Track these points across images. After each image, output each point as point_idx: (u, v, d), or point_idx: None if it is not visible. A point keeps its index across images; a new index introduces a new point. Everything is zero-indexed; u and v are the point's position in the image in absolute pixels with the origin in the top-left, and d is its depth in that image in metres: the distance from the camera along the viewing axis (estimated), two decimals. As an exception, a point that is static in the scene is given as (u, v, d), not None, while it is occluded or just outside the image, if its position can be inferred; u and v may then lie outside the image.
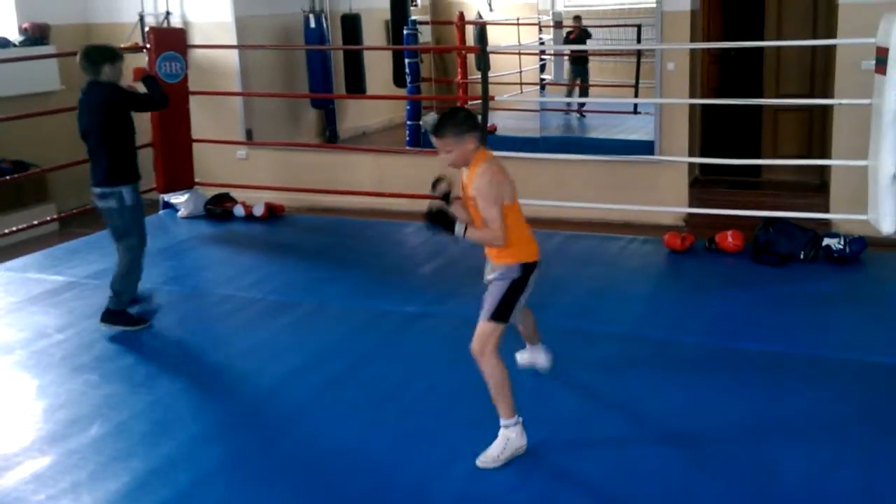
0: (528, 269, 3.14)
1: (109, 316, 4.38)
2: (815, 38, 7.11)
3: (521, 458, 3.08)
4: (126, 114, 4.37)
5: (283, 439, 3.34)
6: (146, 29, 7.25)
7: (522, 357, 3.67)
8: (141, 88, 4.57)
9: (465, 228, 3.03)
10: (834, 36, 6.20)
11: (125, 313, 4.41)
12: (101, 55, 4.29)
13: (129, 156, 4.37)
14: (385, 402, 3.59)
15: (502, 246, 3.06)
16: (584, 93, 9.20)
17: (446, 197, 3.17)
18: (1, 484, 3.07)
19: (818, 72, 7.20)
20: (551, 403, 3.52)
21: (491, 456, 3.05)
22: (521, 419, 3.09)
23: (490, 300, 3.13)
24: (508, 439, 3.06)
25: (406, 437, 3.29)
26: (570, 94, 9.36)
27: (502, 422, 3.07)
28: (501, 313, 3.11)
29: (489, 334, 3.08)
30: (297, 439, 3.34)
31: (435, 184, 3.20)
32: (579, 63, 9.16)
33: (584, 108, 9.25)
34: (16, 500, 2.97)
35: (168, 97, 4.65)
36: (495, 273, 3.17)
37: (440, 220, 3.03)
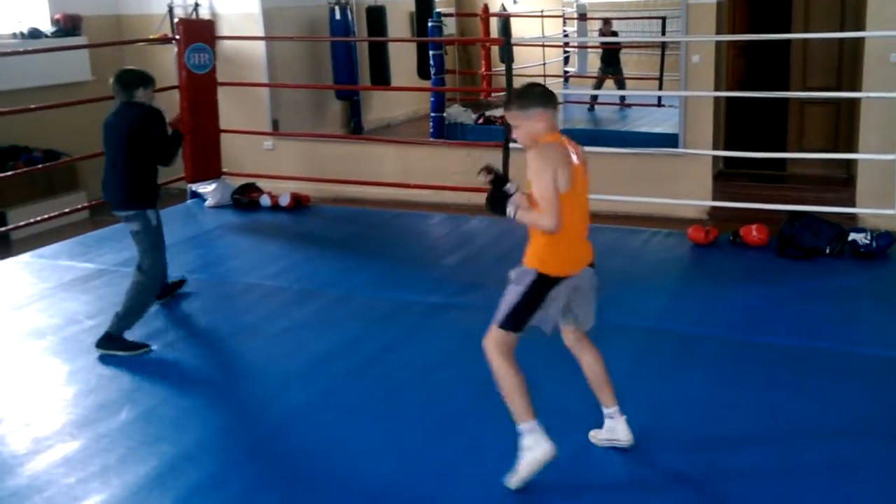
0: (546, 281, 2.76)
1: (107, 340, 4.10)
2: (842, 30, 7.03)
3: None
4: (158, 133, 4.16)
5: (307, 426, 3.38)
6: (175, 20, 7.32)
7: (597, 436, 3.08)
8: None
9: (517, 208, 2.75)
10: (862, 28, 6.14)
11: (121, 338, 4.11)
12: (134, 80, 4.17)
13: (154, 177, 4.24)
14: (408, 392, 3.62)
15: (553, 230, 2.68)
16: (621, 85, 9.16)
17: (499, 181, 2.86)
18: (32, 467, 3.13)
19: (846, 64, 7.12)
20: (572, 395, 3.53)
21: (518, 476, 2.80)
22: (538, 424, 2.79)
23: (503, 304, 2.83)
24: (528, 450, 2.78)
25: (429, 427, 3.32)
26: (598, 87, 9.34)
27: (517, 427, 2.81)
28: (512, 322, 2.80)
29: (499, 340, 2.82)
30: (322, 426, 3.38)
31: (482, 171, 2.89)
32: (611, 63, 9.13)
33: (604, 101, 9.23)
34: (47, 483, 3.02)
35: (174, 158, 4.37)
36: (515, 272, 2.85)
37: (497, 202, 2.78)
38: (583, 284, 2.89)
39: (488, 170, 2.87)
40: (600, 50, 9.32)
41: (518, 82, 7.07)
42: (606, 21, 8.83)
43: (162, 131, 4.17)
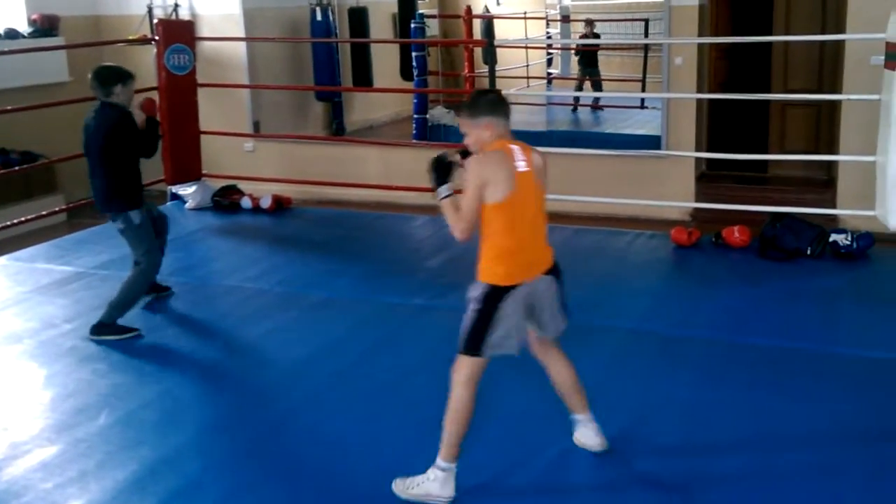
0: (496, 293, 2.71)
1: (98, 328, 4.24)
2: (823, 33, 7.09)
3: (528, 450, 3.08)
4: (134, 137, 4.24)
5: (290, 430, 3.36)
6: (155, 21, 7.28)
7: (575, 437, 3.08)
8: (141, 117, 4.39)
9: (448, 196, 2.76)
10: (843, 31, 6.19)
11: (113, 324, 4.25)
12: (112, 76, 4.18)
13: (135, 179, 4.29)
14: (392, 394, 3.61)
15: (460, 240, 2.73)
16: (597, 87, 9.18)
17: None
18: (10, 472, 3.10)
19: (826, 67, 7.19)
20: (553, 397, 3.53)
21: (406, 483, 2.80)
22: (455, 469, 2.76)
23: (462, 328, 2.77)
24: (433, 482, 2.75)
25: (412, 429, 3.30)
26: (579, 89, 9.37)
27: (439, 461, 2.76)
28: (472, 343, 2.73)
29: (466, 368, 2.75)
30: (305, 430, 3.36)
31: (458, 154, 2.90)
32: (590, 65, 9.16)
33: (591, 103, 9.26)
34: (24, 488, 2.99)
35: (157, 148, 4.49)
36: (470, 291, 2.79)
37: (440, 169, 2.81)
38: (538, 292, 2.82)
39: (464, 153, 2.86)
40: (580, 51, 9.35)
41: (501, 84, 7.09)
42: (589, 22, 8.85)
43: (139, 135, 4.26)
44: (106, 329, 4.22)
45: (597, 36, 8.88)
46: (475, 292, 2.76)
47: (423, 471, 2.82)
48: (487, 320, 2.73)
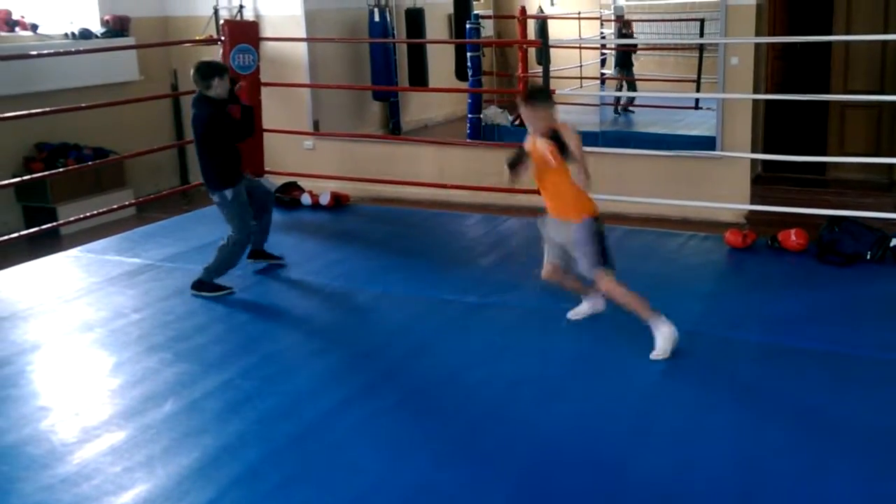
0: (598, 220, 3.77)
1: (197, 284, 4.85)
2: (886, 32, 6.94)
3: (578, 451, 3.14)
4: (227, 127, 4.83)
5: (343, 422, 3.42)
6: (220, 22, 7.46)
7: (579, 311, 4.23)
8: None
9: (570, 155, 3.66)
10: (906, 31, 6.06)
11: (211, 283, 4.84)
12: (211, 70, 4.76)
13: (230, 162, 4.85)
14: (443, 391, 3.67)
15: (589, 180, 3.64)
16: (631, 87, 9.11)
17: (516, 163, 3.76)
18: (81, 455, 3.22)
19: (889, 67, 7.03)
20: (610, 397, 3.57)
21: (661, 349, 3.74)
22: (661, 314, 3.77)
23: (586, 255, 3.76)
24: (661, 331, 3.74)
25: (462, 427, 3.35)
26: (619, 89, 9.32)
27: (649, 323, 3.77)
28: (602, 260, 3.75)
29: (604, 277, 3.76)
30: (359, 420, 3.43)
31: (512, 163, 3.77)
32: (625, 66, 9.12)
33: (639, 103, 9.17)
34: (94, 471, 3.11)
35: (252, 133, 5.10)
36: (577, 230, 3.76)
37: (556, 138, 3.61)
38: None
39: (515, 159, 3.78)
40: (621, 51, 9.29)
41: (554, 84, 7.10)
42: (626, 23, 8.81)
43: (234, 124, 4.85)
44: (204, 286, 4.83)
45: (631, 35, 8.82)
46: (582, 230, 3.76)
47: (474, 467, 2.90)
48: (603, 240, 3.78)
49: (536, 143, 3.66)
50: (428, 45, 8.97)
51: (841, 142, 7.39)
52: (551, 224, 3.92)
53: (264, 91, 7.04)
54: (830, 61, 7.35)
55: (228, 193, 4.81)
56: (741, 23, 6.38)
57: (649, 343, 3.88)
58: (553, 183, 3.79)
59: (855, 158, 6.95)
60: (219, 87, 4.76)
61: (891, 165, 6.71)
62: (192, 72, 4.81)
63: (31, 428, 3.46)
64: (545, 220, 3.95)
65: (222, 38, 6.77)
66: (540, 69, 6.45)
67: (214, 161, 4.81)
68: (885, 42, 6.95)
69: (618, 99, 9.05)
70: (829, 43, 7.23)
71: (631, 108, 9.05)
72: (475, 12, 8.98)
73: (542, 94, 3.87)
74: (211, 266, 4.85)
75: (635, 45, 8.92)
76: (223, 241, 4.85)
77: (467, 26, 8.55)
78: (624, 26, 8.83)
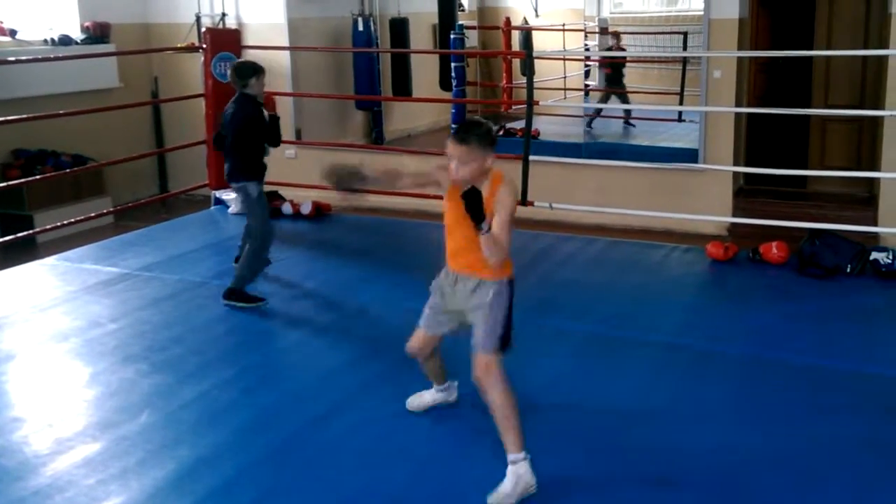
0: (512, 286, 2.98)
1: (230, 294, 4.79)
2: (866, 47, 7.02)
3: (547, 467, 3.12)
4: (261, 125, 4.90)
5: (322, 435, 3.40)
6: (202, 29, 7.43)
7: (422, 399, 3.49)
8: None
9: (489, 227, 2.79)
10: (886, 46, 6.13)
11: (244, 292, 4.77)
12: (248, 70, 4.84)
13: (259, 159, 4.95)
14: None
15: (499, 264, 2.89)
16: (623, 100, 9.17)
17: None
18: (54, 467, 3.17)
19: (869, 82, 7.11)
20: (591, 409, 3.55)
21: (503, 493, 2.81)
22: (529, 455, 2.86)
23: (489, 328, 2.92)
24: (519, 476, 2.83)
25: (444, 441, 3.34)
26: (605, 101, 9.37)
27: (510, 457, 2.85)
28: (503, 342, 2.94)
29: (493, 364, 2.90)
30: (337, 434, 3.40)
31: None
32: (615, 80, 9.17)
33: (627, 116, 9.23)
34: (68, 483, 3.06)
35: (279, 141, 5.17)
36: (489, 293, 2.94)
37: (475, 200, 2.74)
38: None
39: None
40: (611, 64, 9.33)
41: (538, 95, 7.11)
42: (616, 35, 8.87)
43: (271, 127, 4.97)
44: (235, 295, 4.76)
45: (622, 50, 8.88)
46: (497, 293, 2.95)
47: (454, 481, 2.88)
48: (510, 313, 2.97)
49: (457, 186, 2.90)
50: (412, 55, 8.98)
51: (822, 155, 7.47)
52: (451, 281, 3.09)
53: (246, 99, 6.99)
54: (812, 75, 7.42)
55: (253, 187, 4.86)
56: (724, 36, 6.43)
57: (634, 358, 3.86)
58: (467, 230, 2.85)
59: (835, 172, 7.02)
60: (256, 86, 4.82)
61: (871, 179, 6.77)
62: (228, 72, 4.98)
63: (4, 439, 3.40)
64: (445, 275, 3.14)
65: (204, 45, 6.74)
66: (524, 80, 6.46)
67: (245, 157, 4.86)
68: (865, 57, 7.03)
69: (597, 111, 9.09)
70: (811, 57, 7.30)
71: (631, 122, 9.08)
72: (460, 23, 9.01)
73: (478, 132, 2.89)
74: (239, 273, 4.82)
75: (624, 59, 8.97)
76: (249, 246, 4.85)
77: (452, 37, 8.57)
78: (613, 38, 8.88)
